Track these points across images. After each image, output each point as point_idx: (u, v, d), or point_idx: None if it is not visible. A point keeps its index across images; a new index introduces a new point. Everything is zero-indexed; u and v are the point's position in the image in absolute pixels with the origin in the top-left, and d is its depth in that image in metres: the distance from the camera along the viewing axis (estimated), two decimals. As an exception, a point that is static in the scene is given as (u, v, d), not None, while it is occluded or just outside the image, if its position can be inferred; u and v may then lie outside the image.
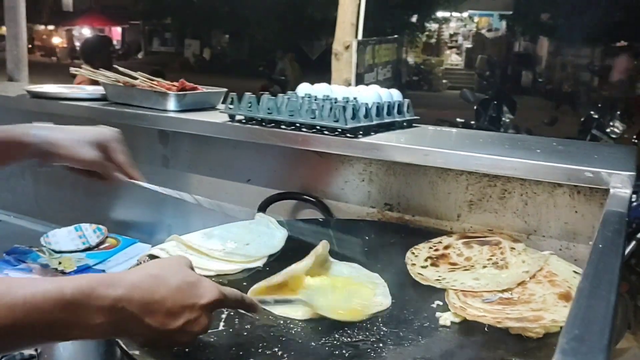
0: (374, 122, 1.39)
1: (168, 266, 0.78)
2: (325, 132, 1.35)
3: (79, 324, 0.67)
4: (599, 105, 7.35)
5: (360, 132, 1.34)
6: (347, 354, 0.90)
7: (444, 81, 18.26)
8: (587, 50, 15.41)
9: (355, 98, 1.39)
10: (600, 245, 0.72)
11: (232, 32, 22.31)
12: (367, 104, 1.38)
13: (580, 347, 0.46)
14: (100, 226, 1.71)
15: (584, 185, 1.13)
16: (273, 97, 1.43)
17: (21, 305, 0.63)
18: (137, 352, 0.80)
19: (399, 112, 1.49)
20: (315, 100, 1.39)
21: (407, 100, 1.53)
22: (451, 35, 21.79)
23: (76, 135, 1.11)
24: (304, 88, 1.52)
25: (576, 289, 0.60)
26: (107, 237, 1.70)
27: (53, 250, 1.62)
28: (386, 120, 1.44)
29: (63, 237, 1.69)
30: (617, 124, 6.45)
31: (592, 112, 7.05)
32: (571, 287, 1.03)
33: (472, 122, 7.05)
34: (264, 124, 1.43)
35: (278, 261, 1.23)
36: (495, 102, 7.29)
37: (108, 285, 0.70)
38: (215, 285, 0.80)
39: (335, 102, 1.36)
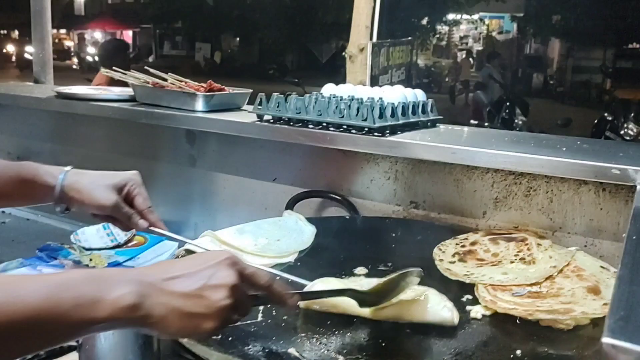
0: (400, 122, 1.42)
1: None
2: (353, 131, 1.38)
3: (105, 297, 0.68)
4: (613, 107, 7.33)
5: (387, 131, 1.37)
6: (384, 344, 0.92)
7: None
8: (599, 52, 15.34)
9: (380, 98, 1.42)
10: (634, 237, 0.75)
11: (242, 35, 22.43)
12: (393, 103, 1.41)
13: (627, 326, 0.49)
14: (128, 224, 1.75)
15: (610, 182, 1.15)
16: (301, 98, 1.46)
17: (53, 282, 0.67)
18: (184, 340, 0.84)
19: (423, 111, 1.52)
20: (342, 100, 1.42)
21: (431, 100, 1.56)
22: (462, 38, 21.76)
23: (97, 180, 1.13)
24: (329, 89, 1.55)
25: (616, 276, 0.62)
26: (134, 235, 1.74)
27: (83, 248, 1.67)
28: (411, 120, 1.46)
29: (92, 235, 1.74)
30: (632, 125, 6.43)
31: (605, 114, 7.03)
32: (599, 281, 1.05)
33: (486, 124, 7.05)
34: (291, 123, 1.47)
35: (308, 256, 1.26)
36: (508, 104, 7.29)
37: (127, 269, 0.73)
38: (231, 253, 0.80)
39: (362, 102, 1.39)
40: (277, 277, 1.04)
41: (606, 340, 0.47)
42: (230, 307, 0.75)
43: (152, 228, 1.15)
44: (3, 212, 2.14)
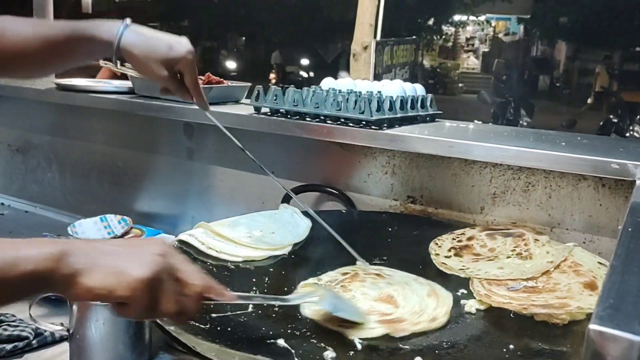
0: (398, 115, 1.40)
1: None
2: (350, 124, 1.37)
3: (28, 253, 0.66)
4: (618, 109, 7.29)
5: (385, 124, 1.35)
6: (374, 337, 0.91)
7: (460, 85, 18.18)
8: (605, 55, 15.25)
9: (379, 91, 1.41)
10: (630, 229, 0.73)
11: (248, 34, 22.45)
12: (391, 97, 1.40)
13: (615, 314, 0.48)
14: (125, 217, 1.75)
15: (610, 177, 1.13)
16: (298, 90, 1.45)
17: None
18: (172, 328, 0.83)
19: (422, 106, 1.51)
20: (340, 92, 1.41)
21: (430, 95, 1.54)
22: (468, 39, 21.68)
23: (150, 54, 1.13)
24: (327, 82, 1.54)
25: (609, 267, 0.61)
26: (131, 227, 1.73)
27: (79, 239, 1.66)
28: (410, 114, 1.45)
29: (89, 227, 1.73)
30: (637, 127, 6.39)
31: (610, 116, 7.00)
32: (596, 277, 1.04)
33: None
34: (289, 116, 1.46)
35: (303, 249, 1.25)
36: (513, 105, 7.27)
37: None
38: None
39: (360, 95, 1.37)
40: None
41: (593, 327, 0.46)
42: (161, 263, 0.71)
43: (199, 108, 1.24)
44: (2, 204, 2.15)
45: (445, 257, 1.19)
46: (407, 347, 0.89)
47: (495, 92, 9.28)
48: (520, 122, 7.22)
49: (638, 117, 6.79)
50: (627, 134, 6.66)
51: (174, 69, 1.14)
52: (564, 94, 15.27)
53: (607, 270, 0.59)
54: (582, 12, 14.32)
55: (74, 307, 1.04)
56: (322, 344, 0.87)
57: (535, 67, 16.26)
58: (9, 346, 1.10)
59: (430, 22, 17.85)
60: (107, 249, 0.72)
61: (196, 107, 1.61)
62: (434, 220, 1.39)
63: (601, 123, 7.09)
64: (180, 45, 1.15)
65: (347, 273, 1.12)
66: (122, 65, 1.18)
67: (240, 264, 1.15)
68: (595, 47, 14.94)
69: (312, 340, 0.88)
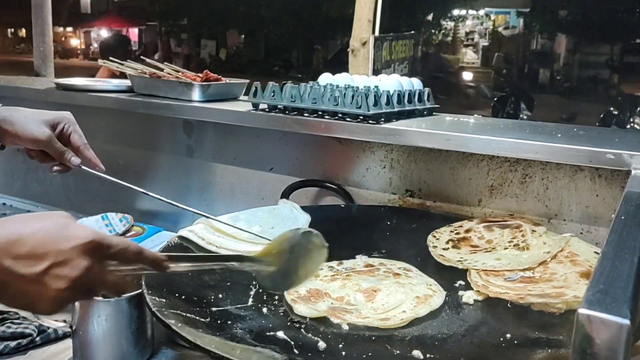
0: (396, 109, 1.41)
1: (36, 216, 0.73)
2: (348, 119, 1.38)
3: None
4: (619, 101, 7.28)
5: (382, 119, 1.36)
6: (369, 332, 0.92)
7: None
8: (605, 47, 15.22)
9: (376, 86, 1.42)
10: (623, 217, 0.74)
11: (247, 32, 22.44)
12: (388, 91, 1.40)
13: (605, 298, 0.48)
14: (126, 215, 1.76)
15: (606, 167, 1.13)
16: (296, 86, 1.46)
17: None
18: (172, 321, 0.84)
19: (420, 100, 1.52)
20: (337, 88, 1.42)
21: (427, 89, 1.55)
22: (467, 33, 21.63)
23: (30, 115, 1.13)
24: (325, 78, 1.54)
25: (600, 253, 0.62)
26: (132, 225, 1.75)
27: (81, 238, 1.67)
28: (407, 108, 1.46)
29: (91, 226, 1.74)
30: (638, 120, 6.38)
31: (611, 109, 6.99)
32: (592, 267, 1.04)
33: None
34: (287, 112, 1.46)
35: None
36: (513, 99, 7.27)
37: None
38: (91, 229, 0.73)
39: (357, 90, 1.38)
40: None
41: (582, 311, 0.47)
42: (69, 297, 0.71)
43: (84, 168, 1.17)
44: (4, 204, 2.16)
45: (443, 249, 1.20)
46: (404, 336, 0.90)
47: (495, 86, 9.27)
48: (521, 115, 7.22)
49: (638, 109, 6.77)
50: (628, 126, 6.65)
51: (56, 129, 1.13)
52: (565, 87, 15.24)
53: (599, 257, 0.59)
54: (582, 5, 14.29)
55: (76, 303, 1.05)
56: (319, 338, 0.88)
57: (536, 60, 16.23)
58: (12, 343, 1.12)
59: (429, 17, 17.82)
60: (18, 281, 0.68)
61: (193, 105, 1.63)
62: (432, 213, 1.40)
63: (602, 115, 7.08)
64: (62, 112, 1.16)
65: (371, 265, 1.13)
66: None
67: (240, 259, 1.16)
68: (595, 39, 14.90)
69: (309, 334, 0.89)
